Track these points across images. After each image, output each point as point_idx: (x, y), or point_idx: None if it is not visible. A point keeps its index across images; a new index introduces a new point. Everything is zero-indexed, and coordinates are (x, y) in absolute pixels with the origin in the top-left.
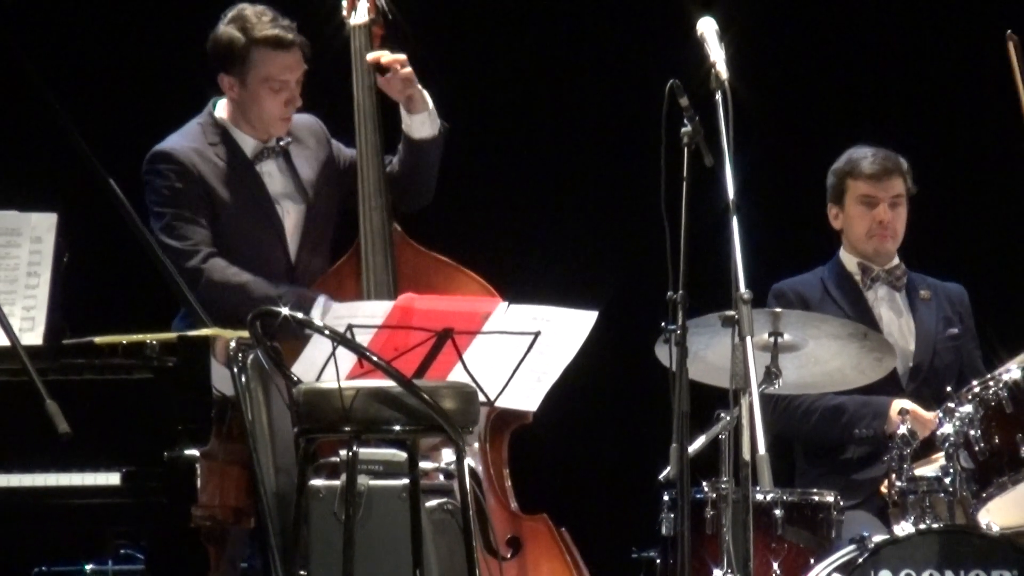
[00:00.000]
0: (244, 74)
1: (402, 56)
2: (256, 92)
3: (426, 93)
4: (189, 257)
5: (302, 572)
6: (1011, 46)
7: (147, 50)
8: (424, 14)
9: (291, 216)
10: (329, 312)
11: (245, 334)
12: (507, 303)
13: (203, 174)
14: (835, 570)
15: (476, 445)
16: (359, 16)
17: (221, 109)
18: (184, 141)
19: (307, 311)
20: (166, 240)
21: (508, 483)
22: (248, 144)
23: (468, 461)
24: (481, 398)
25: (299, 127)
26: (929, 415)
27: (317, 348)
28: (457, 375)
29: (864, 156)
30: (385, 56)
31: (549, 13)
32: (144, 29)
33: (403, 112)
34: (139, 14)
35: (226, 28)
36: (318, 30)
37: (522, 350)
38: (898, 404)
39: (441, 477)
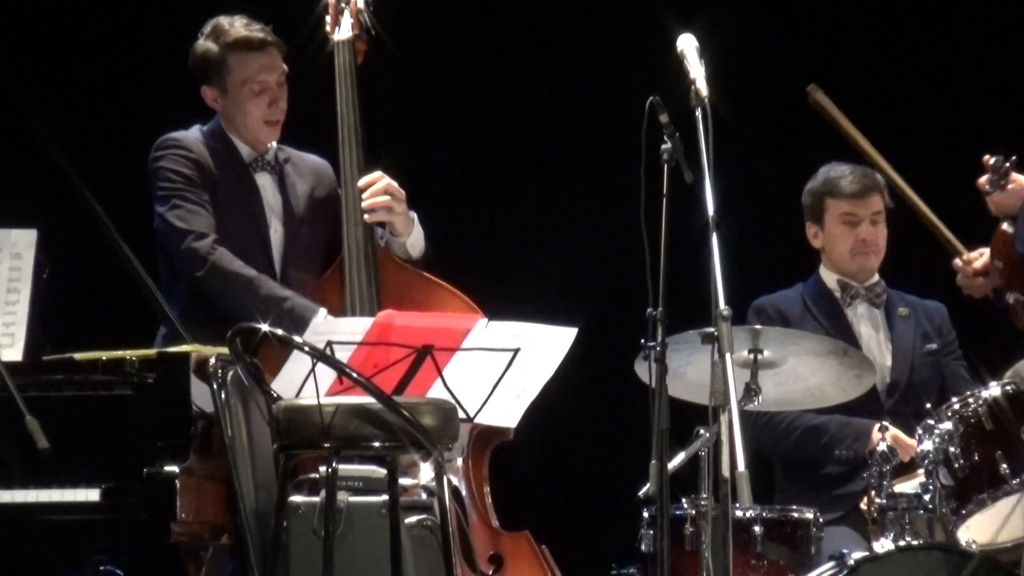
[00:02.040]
0: (223, 81)
1: (378, 176)
2: (238, 97)
3: (413, 215)
4: (198, 239)
5: None
6: (819, 98)
7: (131, 66)
8: (407, 30)
9: (277, 233)
10: (310, 328)
11: (225, 350)
12: (487, 320)
13: (209, 165)
14: None
15: (459, 461)
16: (343, 32)
17: (221, 120)
18: (190, 134)
19: (307, 321)
20: (174, 221)
21: (490, 500)
22: (245, 152)
23: (451, 478)
24: (461, 415)
25: (303, 161)
26: (910, 441)
27: (297, 364)
28: (437, 392)
29: (842, 175)
30: (369, 179)
31: (530, 30)
32: (127, 45)
33: (387, 230)
34: (123, 30)
35: (202, 42)
36: (302, 46)
37: (502, 367)
38: (879, 425)
39: (423, 494)
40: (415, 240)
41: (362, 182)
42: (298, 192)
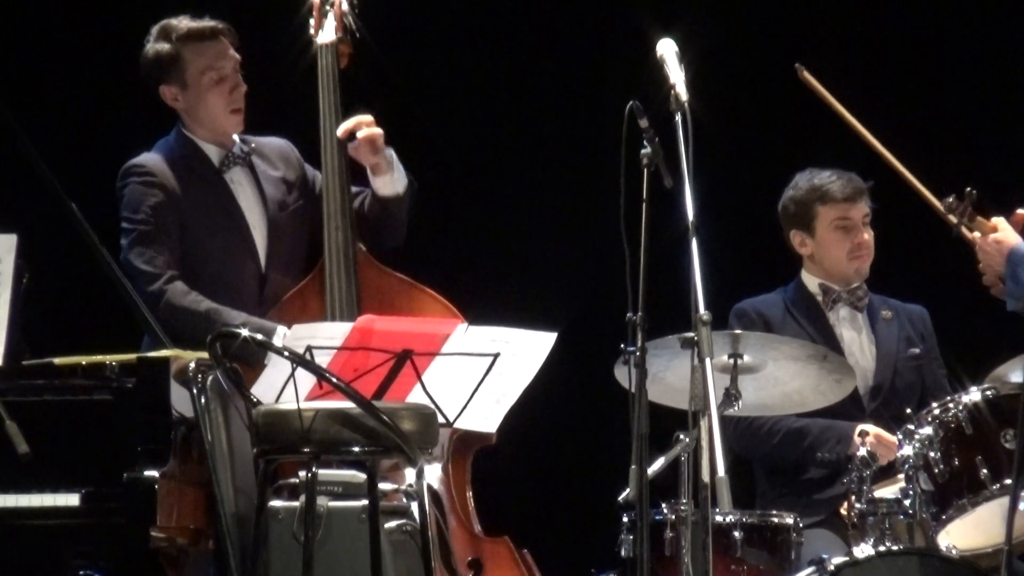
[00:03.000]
0: (182, 77)
1: (367, 117)
2: (198, 89)
3: (392, 152)
4: (152, 280)
5: None
6: (806, 76)
7: (111, 70)
8: (392, 33)
9: (258, 230)
10: (289, 333)
11: (205, 355)
12: (466, 324)
13: (174, 186)
14: None
15: (440, 466)
16: (326, 35)
17: (182, 124)
18: (155, 155)
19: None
20: (132, 260)
21: (471, 505)
22: (213, 152)
23: (431, 483)
24: (440, 419)
25: (267, 146)
26: (892, 438)
27: (276, 369)
28: (416, 396)
29: (831, 180)
30: (350, 123)
31: (510, 35)
32: (107, 48)
33: (369, 172)
34: (101, 33)
35: (151, 45)
36: (285, 49)
37: (481, 372)
38: (860, 428)
39: (404, 499)
40: (399, 175)
41: (349, 124)
42: (272, 181)
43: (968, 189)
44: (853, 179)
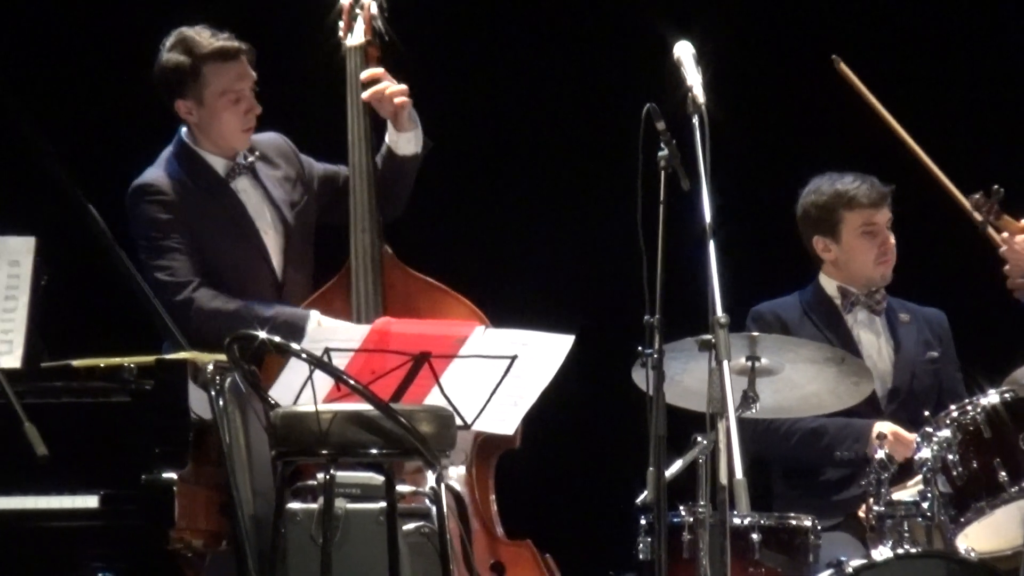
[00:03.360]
0: (199, 93)
1: (381, 70)
2: (215, 108)
3: (414, 112)
4: (178, 291)
5: None
6: (843, 68)
7: (126, 74)
8: (417, 37)
9: (270, 235)
10: (307, 335)
11: (223, 357)
12: (484, 327)
13: (183, 202)
14: None
15: (463, 469)
16: (355, 37)
17: (187, 135)
18: (160, 171)
19: (301, 329)
20: (155, 275)
21: (494, 508)
22: (218, 164)
23: (455, 485)
24: (458, 422)
25: (264, 145)
26: (909, 436)
27: (294, 371)
28: (434, 399)
29: (855, 185)
30: (377, 72)
31: (528, 39)
32: (125, 52)
33: (390, 128)
34: (119, 36)
35: (170, 54)
36: (314, 50)
37: (499, 374)
38: (879, 427)
39: (427, 501)
40: (418, 134)
41: (365, 75)
42: (276, 182)
43: (995, 187)
44: (876, 183)
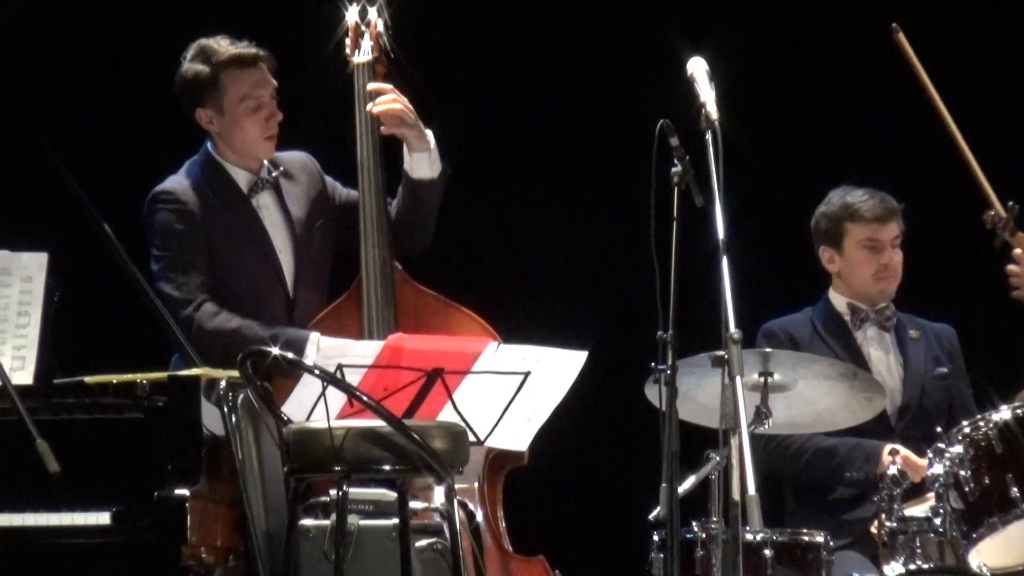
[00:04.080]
0: (219, 102)
1: (388, 86)
2: (235, 115)
3: (429, 133)
4: (183, 306)
5: None
6: (900, 38)
7: (144, 89)
8: (425, 54)
9: (285, 253)
10: (320, 352)
11: (235, 374)
12: (497, 343)
13: (202, 212)
14: None
15: (476, 485)
16: (363, 54)
17: (212, 147)
18: (182, 178)
19: (301, 349)
20: (162, 287)
21: (503, 524)
22: (241, 178)
23: (466, 501)
24: (471, 438)
25: (291, 162)
26: (921, 461)
27: (307, 388)
28: (447, 415)
29: (863, 199)
30: (384, 87)
31: (540, 54)
32: (138, 66)
33: (405, 151)
34: (135, 52)
35: (190, 64)
36: (321, 68)
37: (512, 390)
38: (890, 447)
39: (437, 517)
40: (435, 157)
41: (372, 87)
42: (297, 200)
43: (1010, 203)
44: (886, 199)
